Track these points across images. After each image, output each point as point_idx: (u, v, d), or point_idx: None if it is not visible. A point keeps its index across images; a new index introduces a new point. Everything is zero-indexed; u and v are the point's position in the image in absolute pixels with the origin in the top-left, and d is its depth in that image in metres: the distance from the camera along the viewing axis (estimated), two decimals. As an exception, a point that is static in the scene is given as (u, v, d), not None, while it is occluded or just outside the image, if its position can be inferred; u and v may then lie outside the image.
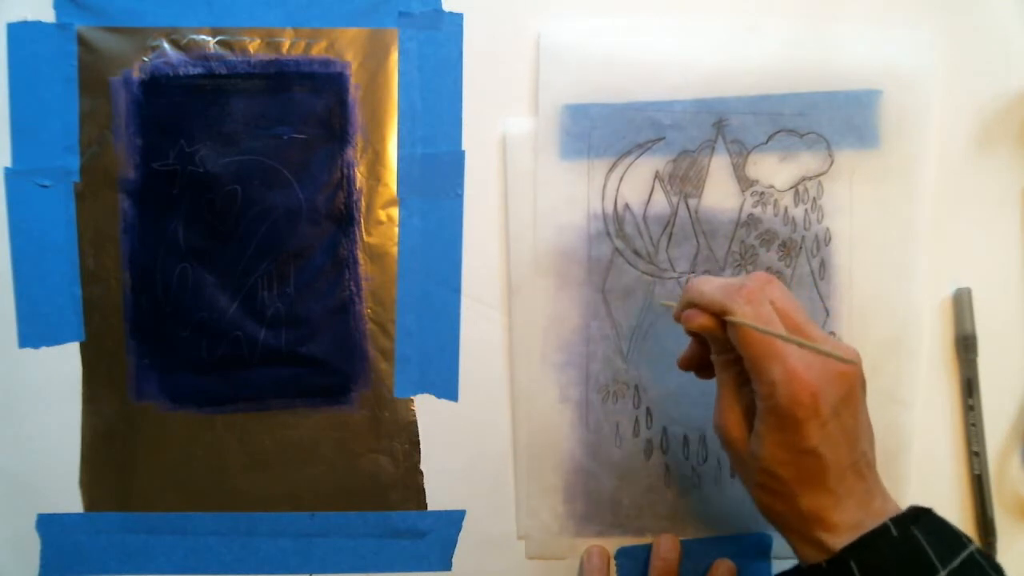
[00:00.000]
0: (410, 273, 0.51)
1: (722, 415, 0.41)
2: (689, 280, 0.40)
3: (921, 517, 0.37)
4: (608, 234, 0.50)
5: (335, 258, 0.50)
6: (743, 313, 0.38)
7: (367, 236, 0.50)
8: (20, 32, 0.49)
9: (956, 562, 0.35)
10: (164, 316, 0.50)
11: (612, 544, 0.51)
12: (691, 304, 0.40)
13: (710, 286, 0.39)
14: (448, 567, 0.51)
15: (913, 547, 0.36)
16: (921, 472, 0.51)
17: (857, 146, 0.50)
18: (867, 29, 0.50)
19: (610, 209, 0.50)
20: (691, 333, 0.42)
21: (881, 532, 0.37)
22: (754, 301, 0.38)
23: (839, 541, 0.37)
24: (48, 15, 0.49)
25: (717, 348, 0.41)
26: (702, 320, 0.39)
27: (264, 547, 0.51)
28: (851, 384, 0.38)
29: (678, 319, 0.41)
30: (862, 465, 0.38)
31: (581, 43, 0.49)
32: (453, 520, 0.51)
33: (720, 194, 0.50)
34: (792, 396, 0.36)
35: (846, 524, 0.37)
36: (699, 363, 0.43)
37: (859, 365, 0.38)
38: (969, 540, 0.37)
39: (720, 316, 0.39)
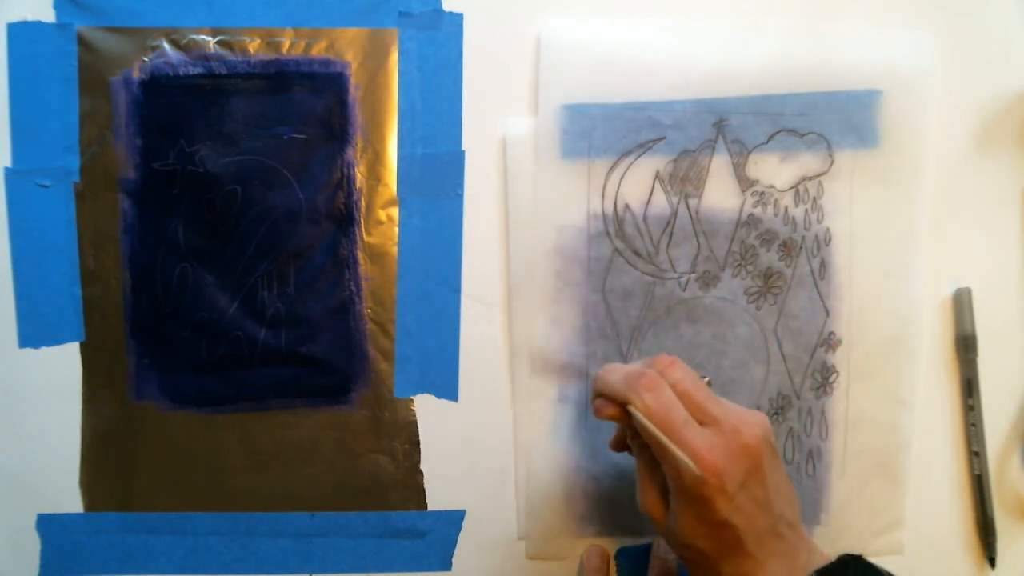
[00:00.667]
0: (410, 273, 0.51)
1: (642, 495, 0.42)
2: (600, 370, 0.43)
3: (850, 565, 0.38)
4: (608, 234, 0.50)
5: (335, 258, 0.50)
6: (643, 402, 0.39)
7: (367, 236, 0.50)
8: (20, 32, 0.49)
9: None
10: (164, 316, 0.50)
11: (612, 544, 0.51)
12: (599, 394, 0.41)
13: (615, 376, 0.41)
14: (448, 567, 0.52)
15: None
16: (921, 472, 0.51)
17: (857, 146, 0.50)
18: (867, 29, 0.50)
19: (610, 209, 0.50)
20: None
21: None
22: (653, 388, 0.39)
23: None
24: (48, 15, 0.49)
25: (630, 433, 0.42)
26: (609, 411, 0.41)
27: (264, 547, 0.51)
28: (756, 458, 0.39)
29: (592, 404, 0.43)
30: (781, 527, 0.39)
31: (581, 43, 0.49)
32: (453, 520, 0.51)
33: (720, 194, 0.50)
34: (697, 477, 0.37)
35: None
36: (626, 445, 0.44)
37: (764, 437, 0.39)
38: None
39: (623, 406, 0.40)
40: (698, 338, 0.51)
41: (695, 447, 0.38)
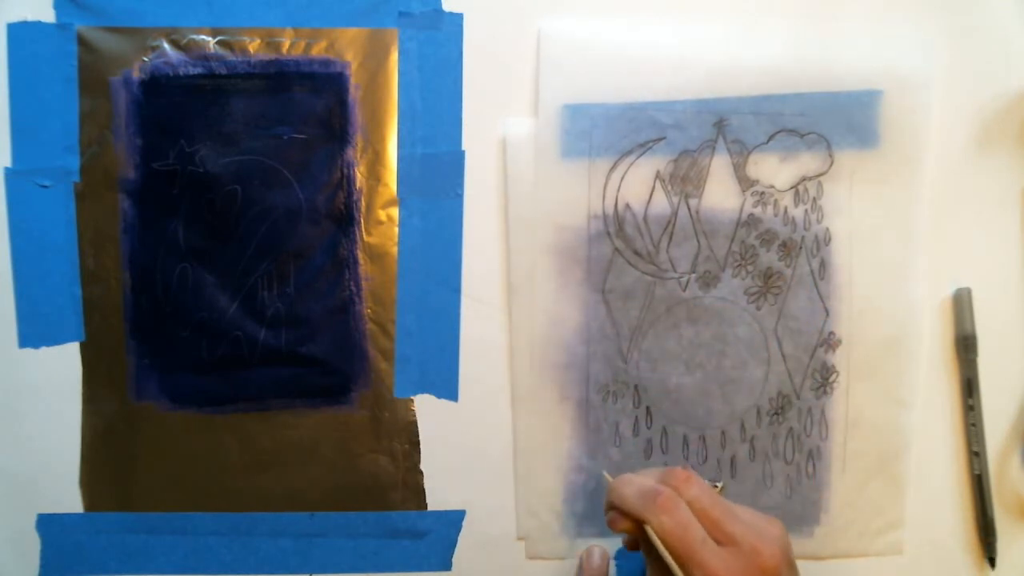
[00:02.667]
0: (410, 273, 0.51)
1: None
2: (614, 480, 0.43)
3: None
4: (608, 234, 0.50)
5: (335, 258, 0.50)
6: (659, 523, 0.39)
7: (367, 236, 0.50)
8: (20, 32, 0.49)
9: None
10: (164, 316, 0.50)
11: (612, 544, 0.51)
12: (614, 507, 0.42)
13: (630, 490, 0.41)
14: (448, 567, 0.52)
15: None
16: (921, 472, 0.51)
17: (857, 146, 0.50)
18: (867, 29, 0.50)
19: (610, 209, 0.50)
20: None
21: None
22: (669, 509, 0.39)
23: None
24: (48, 15, 0.49)
25: (644, 546, 0.42)
26: (624, 525, 0.41)
27: (264, 547, 0.51)
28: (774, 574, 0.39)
29: (605, 515, 0.43)
30: None
31: (581, 43, 0.49)
32: (453, 520, 0.51)
33: (721, 194, 0.50)
34: None
35: None
36: (639, 545, 0.44)
37: (782, 552, 0.39)
38: None
39: (639, 523, 0.40)
40: (698, 338, 0.51)
41: (712, 569, 0.37)
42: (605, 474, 0.46)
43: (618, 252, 0.50)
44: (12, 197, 0.50)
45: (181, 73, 0.49)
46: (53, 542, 0.51)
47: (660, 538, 0.39)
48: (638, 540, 0.43)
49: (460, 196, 0.50)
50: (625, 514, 0.41)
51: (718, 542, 0.39)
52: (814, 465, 0.51)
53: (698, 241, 0.50)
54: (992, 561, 0.51)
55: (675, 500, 0.40)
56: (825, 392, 0.51)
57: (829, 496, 0.51)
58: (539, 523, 0.51)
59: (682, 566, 0.38)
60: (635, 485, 0.41)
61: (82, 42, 0.49)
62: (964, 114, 0.50)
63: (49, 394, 0.50)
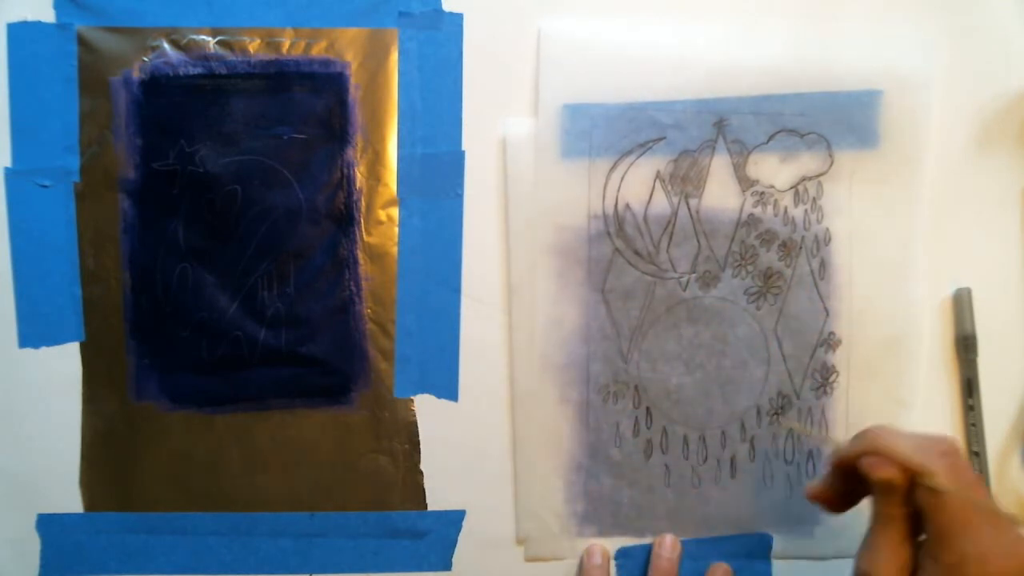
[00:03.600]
0: (410, 273, 0.51)
1: (876, 564, 0.39)
2: (875, 428, 0.40)
3: None
4: (608, 234, 0.50)
5: (335, 258, 0.50)
6: (947, 479, 0.37)
7: (367, 236, 0.50)
8: (20, 32, 0.49)
9: None
10: (164, 316, 0.50)
11: (612, 544, 0.51)
12: (876, 453, 0.39)
13: (905, 442, 0.38)
14: (448, 567, 0.52)
15: None
16: (921, 472, 0.51)
17: (857, 146, 0.50)
18: (867, 29, 0.50)
19: (610, 209, 0.50)
20: (843, 475, 0.41)
21: None
22: (960, 468, 0.37)
23: None
24: (48, 15, 0.49)
25: (891, 501, 0.39)
26: (891, 472, 0.38)
27: (264, 547, 0.51)
28: None
29: (842, 462, 0.40)
30: None
31: (581, 43, 0.49)
32: (453, 520, 0.51)
33: (721, 194, 0.50)
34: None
35: None
36: (833, 498, 0.42)
37: None
38: None
39: (915, 473, 0.37)
40: (698, 338, 0.51)
41: (987, 546, 0.35)
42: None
43: (618, 252, 0.50)
44: (12, 197, 0.50)
45: (181, 73, 0.49)
46: (53, 542, 0.51)
47: (939, 496, 0.36)
48: (849, 483, 0.40)
49: (460, 196, 0.50)
50: (895, 462, 0.38)
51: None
52: (814, 465, 0.51)
53: (698, 241, 0.50)
54: (992, 561, 0.51)
55: (965, 460, 0.37)
56: (825, 392, 0.51)
57: (829, 496, 0.51)
58: (539, 523, 0.51)
59: (957, 533, 0.36)
60: (910, 439, 0.38)
61: (82, 42, 0.49)
62: (964, 114, 0.50)
63: (49, 394, 0.50)
